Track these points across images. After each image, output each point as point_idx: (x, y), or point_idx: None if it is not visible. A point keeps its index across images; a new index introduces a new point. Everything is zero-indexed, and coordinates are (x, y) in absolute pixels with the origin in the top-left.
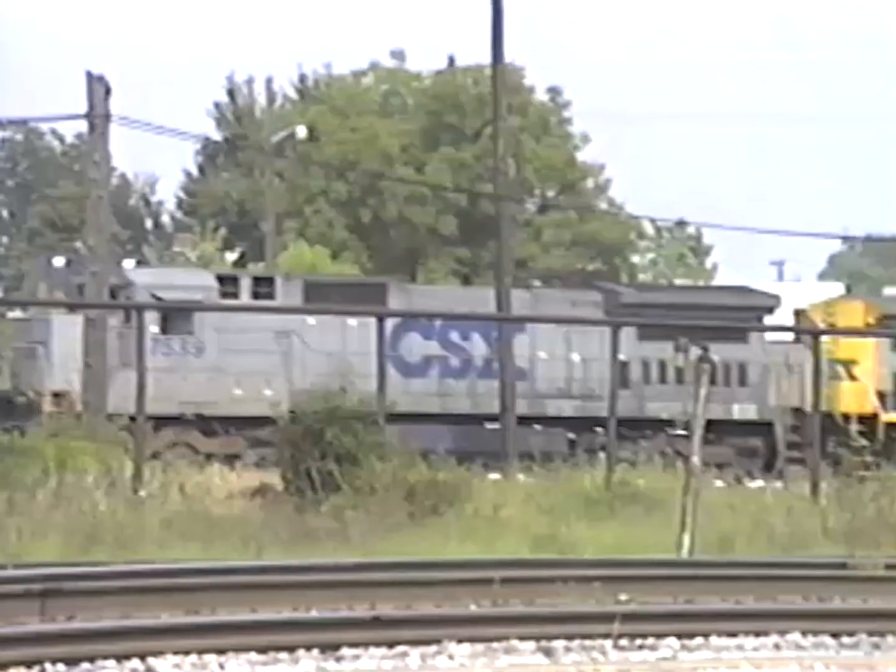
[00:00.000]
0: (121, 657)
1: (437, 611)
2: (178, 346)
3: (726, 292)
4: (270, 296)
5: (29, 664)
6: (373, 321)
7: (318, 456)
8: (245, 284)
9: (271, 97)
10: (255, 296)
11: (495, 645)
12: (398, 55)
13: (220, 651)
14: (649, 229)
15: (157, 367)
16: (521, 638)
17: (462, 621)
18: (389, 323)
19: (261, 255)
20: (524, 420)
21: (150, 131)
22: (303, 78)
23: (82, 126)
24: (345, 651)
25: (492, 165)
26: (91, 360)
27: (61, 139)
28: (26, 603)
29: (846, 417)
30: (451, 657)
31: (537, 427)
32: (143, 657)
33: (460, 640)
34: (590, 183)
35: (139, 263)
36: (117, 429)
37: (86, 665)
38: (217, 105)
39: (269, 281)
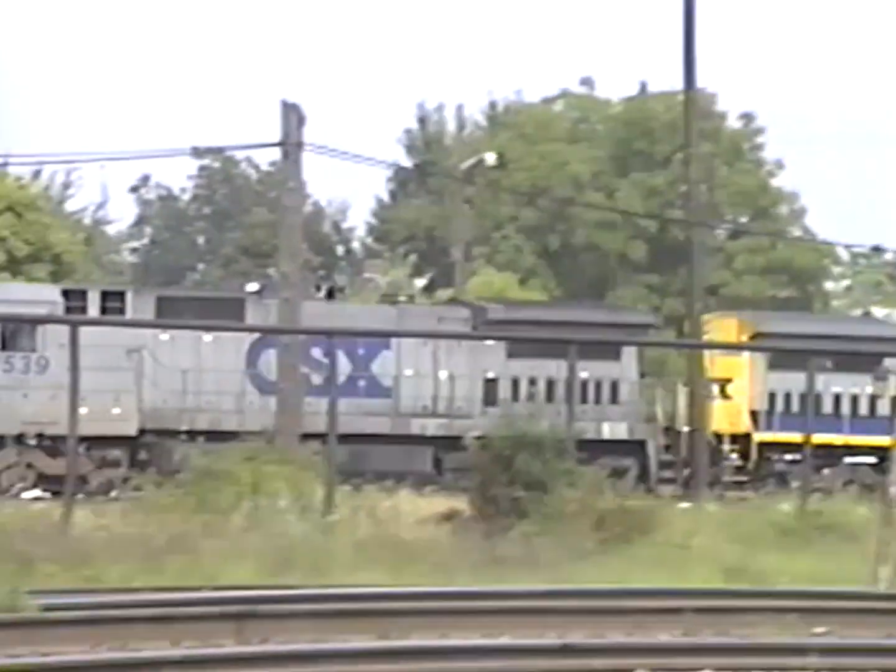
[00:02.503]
0: None
1: (628, 640)
2: (20, 363)
3: (597, 309)
4: (120, 311)
5: None
6: (227, 337)
7: (507, 482)
8: (93, 298)
9: (461, 124)
10: (104, 311)
11: None
12: (588, 82)
13: None
14: (844, 255)
15: None
16: (716, 669)
17: (653, 651)
18: (247, 340)
19: (450, 282)
20: (387, 439)
21: (343, 158)
22: (493, 105)
23: (277, 154)
24: None
25: (683, 191)
26: (284, 384)
27: (256, 167)
28: (222, 625)
29: (719, 437)
30: None
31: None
32: None
33: (653, 670)
34: (783, 209)
35: (331, 290)
36: (311, 453)
37: None
38: (408, 132)
39: (120, 295)
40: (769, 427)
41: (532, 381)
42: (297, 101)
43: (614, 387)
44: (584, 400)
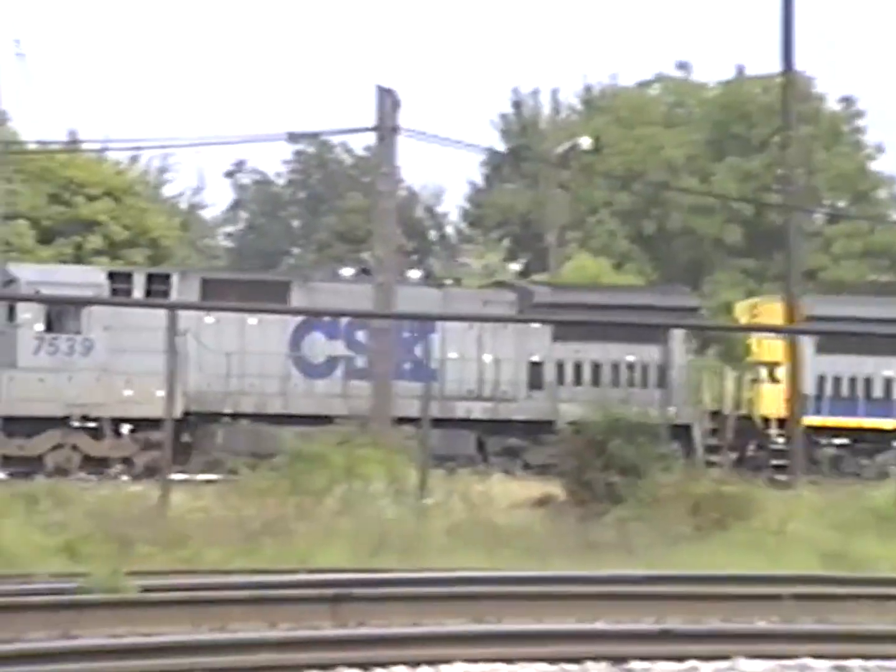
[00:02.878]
0: (411, 663)
1: (726, 625)
2: (64, 346)
3: (647, 292)
4: (165, 293)
5: (323, 667)
6: (272, 320)
7: (602, 467)
8: (139, 281)
9: (556, 108)
10: (149, 293)
11: (787, 662)
12: (684, 66)
13: (509, 661)
14: None
15: (42, 366)
16: (815, 656)
17: (752, 637)
18: (291, 323)
19: (544, 267)
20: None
21: (437, 143)
22: (588, 89)
23: (372, 139)
24: (634, 664)
25: (780, 175)
26: (378, 369)
27: (351, 152)
28: (318, 607)
29: (766, 421)
30: None
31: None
32: (433, 664)
33: (751, 657)
34: (882, 193)
35: (427, 276)
36: (403, 437)
37: (377, 670)
38: (503, 116)
39: (165, 277)
40: (818, 411)
41: (577, 365)
42: (392, 86)
43: (661, 371)
44: (630, 384)
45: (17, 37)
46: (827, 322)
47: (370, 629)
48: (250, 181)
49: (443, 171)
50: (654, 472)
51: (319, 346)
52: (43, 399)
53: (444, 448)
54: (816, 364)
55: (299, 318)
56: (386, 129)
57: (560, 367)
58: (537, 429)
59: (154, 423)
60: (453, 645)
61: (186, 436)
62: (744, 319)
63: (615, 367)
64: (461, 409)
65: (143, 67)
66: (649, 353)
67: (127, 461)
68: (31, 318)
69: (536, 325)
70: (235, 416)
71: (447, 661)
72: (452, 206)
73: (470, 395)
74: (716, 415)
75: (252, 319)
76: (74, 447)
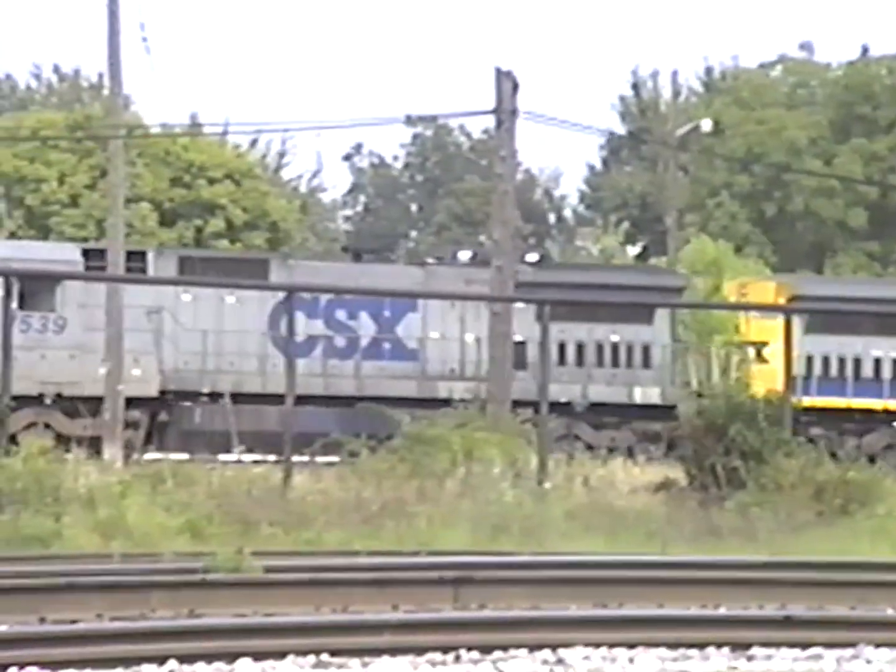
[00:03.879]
0: (532, 647)
1: (852, 613)
2: (37, 323)
3: (633, 271)
4: (142, 270)
5: (445, 650)
6: (250, 297)
7: (723, 452)
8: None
9: (676, 90)
10: (126, 270)
11: None
12: (807, 47)
13: (631, 645)
14: None
15: (15, 344)
16: None
17: (878, 625)
18: (270, 301)
19: (663, 250)
20: (413, 402)
21: (556, 126)
22: (709, 71)
23: (490, 122)
24: (756, 650)
25: None
26: (495, 352)
27: (469, 135)
28: (440, 589)
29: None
30: (868, 662)
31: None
32: (554, 648)
33: (878, 645)
34: None
35: (542, 258)
36: (520, 421)
37: (498, 653)
38: (622, 99)
39: (141, 255)
40: (806, 391)
41: (562, 345)
42: (510, 69)
43: (646, 351)
44: (615, 364)
45: (141, 21)
46: (815, 302)
47: (491, 612)
48: (368, 164)
49: (561, 154)
50: (777, 457)
51: (299, 324)
52: (15, 377)
53: None
54: (805, 344)
55: (279, 297)
56: (505, 112)
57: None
58: (522, 409)
59: (128, 402)
60: (574, 629)
61: (163, 415)
62: (732, 299)
63: (600, 346)
64: (443, 389)
65: (264, 51)
66: (635, 333)
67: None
68: (2, 294)
69: (520, 305)
70: (213, 395)
71: (568, 645)
72: (571, 189)
73: (452, 374)
74: (702, 395)
75: (230, 297)
76: (47, 426)
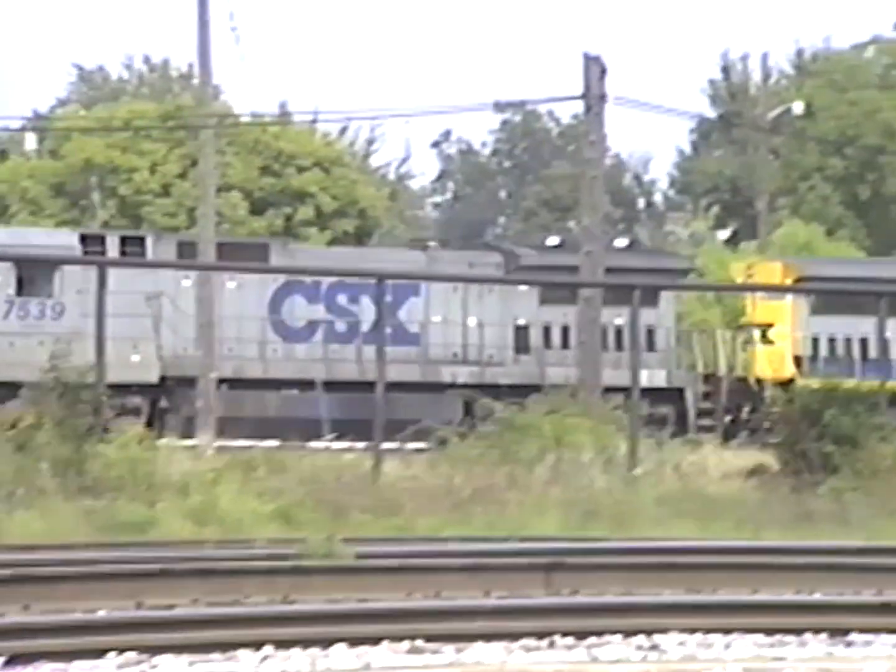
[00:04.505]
0: (626, 633)
1: None
2: (35, 309)
3: (638, 254)
4: (141, 256)
5: (539, 635)
6: (250, 283)
7: (816, 437)
8: (112, 243)
9: (766, 73)
10: (124, 256)
11: None
12: None
13: (726, 631)
14: None
15: (12, 330)
16: None
17: None
18: (271, 286)
19: (753, 234)
20: (415, 387)
21: (645, 110)
22: (800, 53)
23: (578, 107)
24: (854, 636)
25: None
26: (585, 338)
27: (557, 120)
28: (532, 576)
29: (761, 382)
30: None
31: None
32: (648, 633)
33: None
34: None
35: (632, 243)
36: (611, 407)
37: (592, 639)
38: (711, 82)
39: (140, 240)
40: (813, 373)
41: (565, 329)
42: (598, 54)
43: (651, 333)
44: (619, 347)
45: (230, 10)
46: (821, 283)
47: (585, 598)
48: (456, 151)
49: (651, 139)
50: (872, 443)
51: (299, 309)
52: (14, 363)
53: (429, 414)
54: (811, 325)
55: (280, 281)
56: (593, 97)
57: (547, 330)
58: (525, 393)
59: (128, 389)
60: (668, 615)
61: (164, 401)
62: (739, 280)
63: (604, 330)
64: (446, 374)
65: (353, 39)
66: (640, 316)
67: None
68: (1, 281)
69: (523, 288)
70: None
71: (662, 630)
72: (660, 174)
73: (455, 359)
74: (708, 378)
75: (231, 283)
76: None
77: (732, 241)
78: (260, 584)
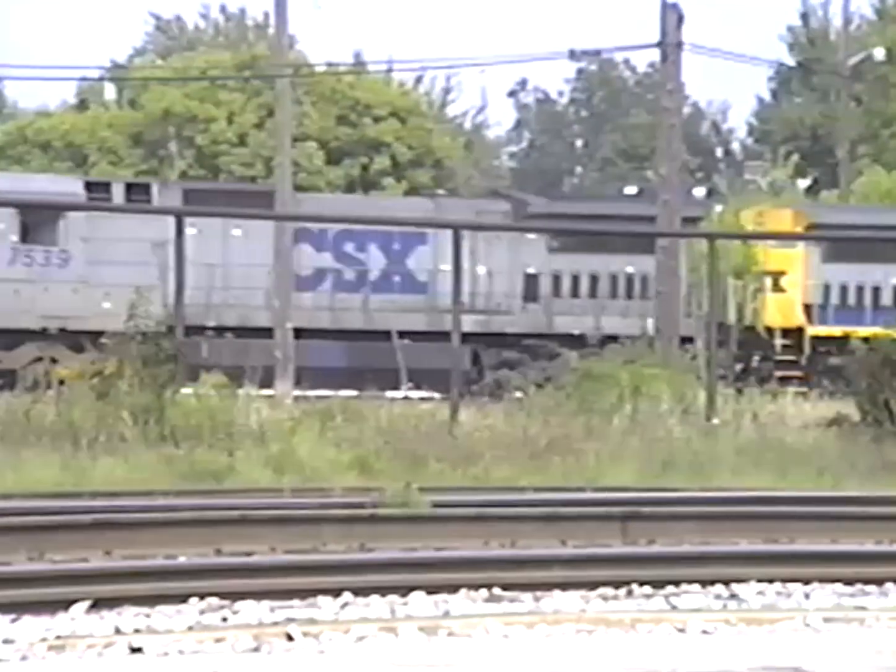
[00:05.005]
0: (704, 582)
1: None
2: (40, 257)
3: (645, 202)
4: (147, 203)
5: (617, 585)
6: (257, 231)
7: None
8: (117, 191)
9: (847, 18)
10: (129, 202)
11: None
12: None
13: (805, 581)
14: None
15: (17, 278)
16: None
17: None
18: (278, 233)
19: (834, 182)
20: (423, 336)
21: (722, 58)
22: None
23: (655, 55)
24: None
25: None
26: (664, 288)
27: (633, 69)
28: (608, 525)
29: (770, 331)
30: None
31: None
32: (726, 583)
33: None
34: None
35: (710, 193)
36: (689, 357)
37: (670, 588)
38: (790, 29)
39: (145, 188)
40: (823, 321)
41: (575, 277)
42: (675, 1)
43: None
44: (629, 296)
45: None
46: (833, 230)
47: (661, 548)
48: (533, 100)
49: (729, 87)
50: None
51: (307, 257)
52: (18, 311)
53: (436, 362)
54: (822, 273)
55: (287, 230)
56: (670, 45)
57: (556, 279)
58: (534, 342)
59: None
60: (746, 564)
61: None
62: (749, 228)
63: (613, 278)
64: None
65: None
66: (650, 265)
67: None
68: (4, 228)
69: (532, 236)
70: (219, 329)
71: (741, 580)
72: (739, 122)
73: (462, 307)
74: (718, 326)
75: (236, 230)
76: (54, 360)
77: (812, 190)
78: (337, 532)
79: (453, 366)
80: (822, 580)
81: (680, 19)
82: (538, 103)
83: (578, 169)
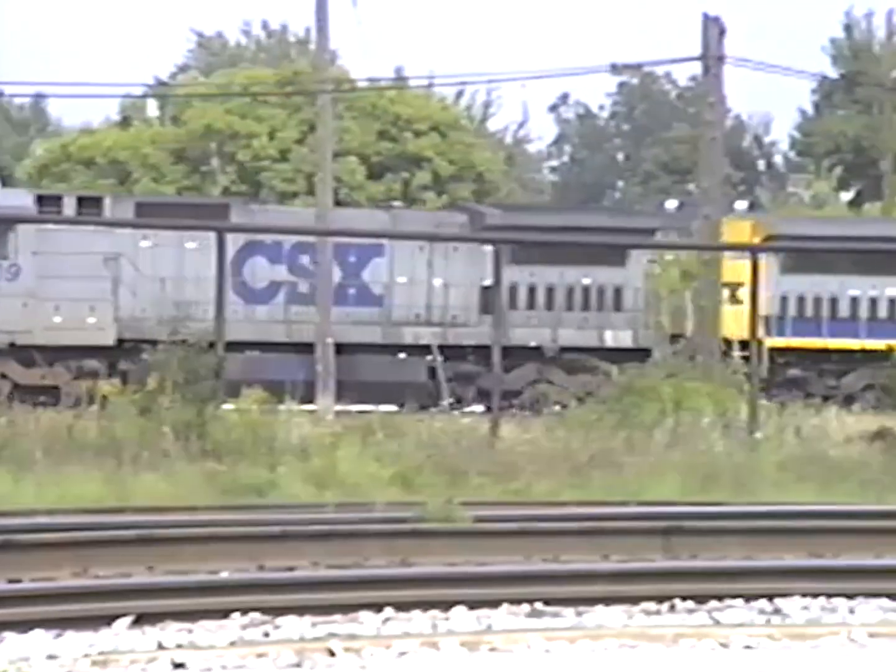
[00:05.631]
0: (748, 597)
1: None
2: None
3: (604, 213)
4: (98, 216)
5: (659, 599)
6: (211, 243)
7: None
8: (69, 204)
9: (891, 31)
10: (81, 216)
11: None
12: None
13: (850, 596)
14: None
15: None
16: None
17: None
18: (231, 247)
19: (878, 195)
20: (379, 349)
21: (765, 71)
22: None
23: (697, 68)
24: None
25: None
26: (705, 301)
27: (675, 82)
28: (650, 539)
29: (728, 342)
30: None
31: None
32: (770, 598)
33: None
34: None
35: (752, 206)
36: (731, 371)
37: (713, 603)
38: (833, 41)
39: (97, 201)
40: (781, 332)
41: (531, 289)
42: (717, 14)
43: (619, 293)
44: (586, 307)
45: None
46: (792, 241)
47: (704, 562)
48: (574, 115)
49: (771, 99)
50: None
51: (261, 270)
52: None
53: (392, 375)
54: (780, 284)
55: (241, 242)
56: (712, 59)
57: (513, 290)
58: (490, 354)
59: (85, 351)
60: (791, 579)
61: (123, 363)
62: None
63: (570, 290)
64: (409, 335)
65: (468, 3)
66: (607, 276)
67: (56, 389)
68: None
69: (488, 248)
70: (172, 343)
71: (785, 595)
72: (781, 135)
73: (418, 319)
74: (676, 338)
75: (191, 243)
76: (3, 375)
77: (856, 203)
78: (379, 546)
79: (494, 383)
80: (867, 595)
81: (722, 32)
82: (579, 117)
83: (620, 183)
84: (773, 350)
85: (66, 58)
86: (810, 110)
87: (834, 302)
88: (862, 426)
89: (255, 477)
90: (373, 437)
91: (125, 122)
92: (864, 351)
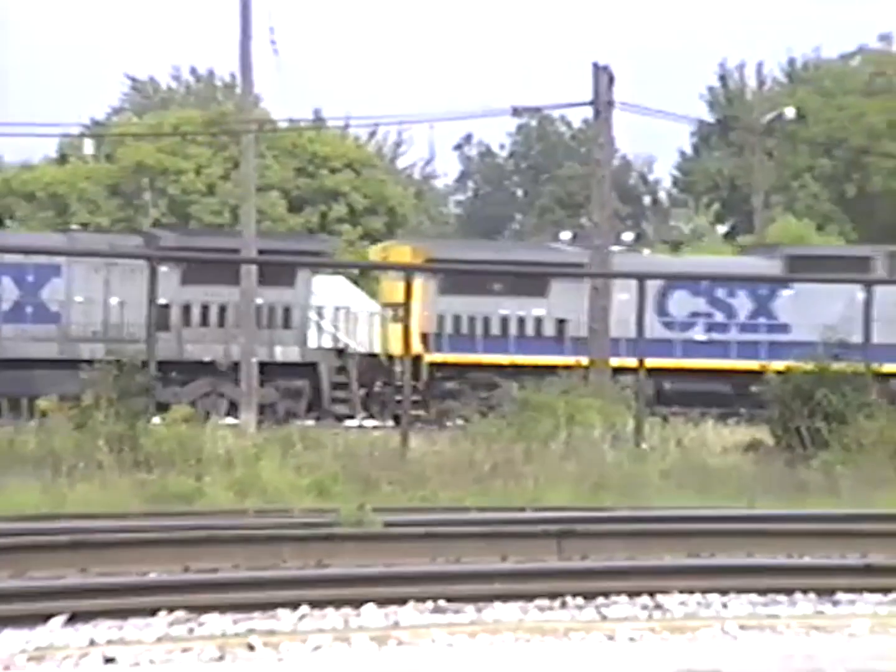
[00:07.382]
0: (632, 593)
1: None
2: None
3: (278, 237)
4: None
5: (552, 597)
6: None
7: (808, 414)
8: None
9: (761, 81)
10: None
11: None
12: (886, 38)
13: (723, 591)
14: None
15: None
16: None
17: None
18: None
19: (750, 228)
20: (56, 364)
21: (649, 115)
22: (791, 62)
23: (589, 112)
24: (840, 596)
25: None
26: (596, 324)
27: (569, 124)
28: (545, 542)
29: (391, 358)
30: None
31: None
32: (651, 594)
33: None
34: None
35: (638, 237)
36: (620, 388)
37: (601, 599)
38: (710, 89)
39: None
40: (439, 349)
41: (205, 307)
42: (607, 63)
43: (288, 312)
44: (258, 324)
45: (270, 25)
46: (447, 264)
47: (593, 562)
48: (476, 153)
49: (655, 141)
50: (859, 420)
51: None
52: None
53: (69, 388)
54: (438, 304)
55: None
56: (602, 103)
57: (187, 309)
58: (165, 368)
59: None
60: (670, 577)
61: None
62: (378, 260)
63: (258, 309)
64: (86, 351)
65: (381, 49)
66: (278, 295)
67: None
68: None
69: (164, 269)
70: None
71: (665, 591)
72: (664, 173)
73: (95, 336)
74: (341, 353)
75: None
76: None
77: (731, 235)
78: (296, 549)
79: (405, 397)
80: (739, 591)
81: (611, 80)
82: (481, 156)
83: (519, 216)
84: (431, 365)
85: (6, 97)
86: (690, 151)
87: (487, 320)
88: (737, 438)
89: (183, 485)
90: (292, 448)
91: (63, 159)
92: (514, 366)
